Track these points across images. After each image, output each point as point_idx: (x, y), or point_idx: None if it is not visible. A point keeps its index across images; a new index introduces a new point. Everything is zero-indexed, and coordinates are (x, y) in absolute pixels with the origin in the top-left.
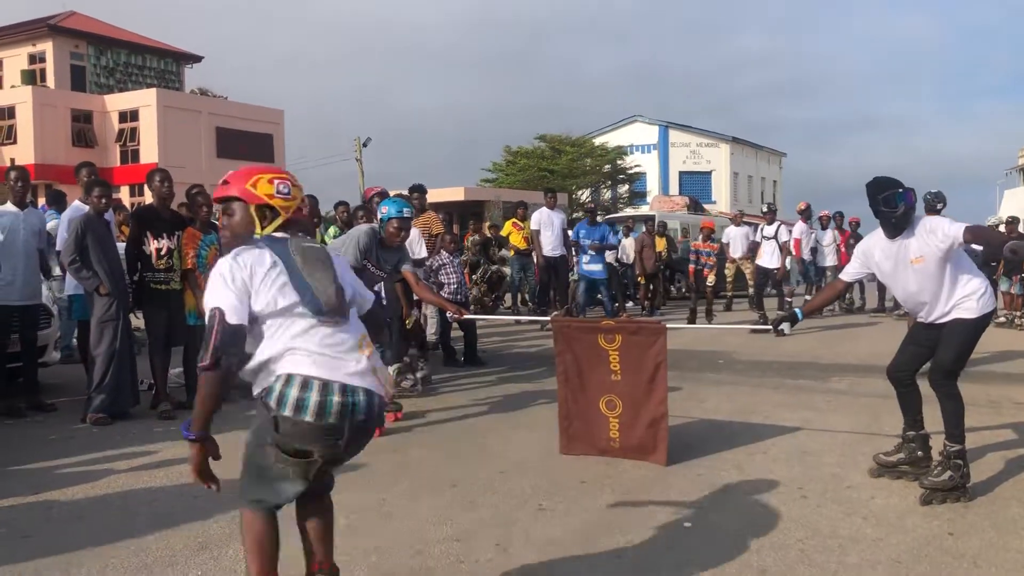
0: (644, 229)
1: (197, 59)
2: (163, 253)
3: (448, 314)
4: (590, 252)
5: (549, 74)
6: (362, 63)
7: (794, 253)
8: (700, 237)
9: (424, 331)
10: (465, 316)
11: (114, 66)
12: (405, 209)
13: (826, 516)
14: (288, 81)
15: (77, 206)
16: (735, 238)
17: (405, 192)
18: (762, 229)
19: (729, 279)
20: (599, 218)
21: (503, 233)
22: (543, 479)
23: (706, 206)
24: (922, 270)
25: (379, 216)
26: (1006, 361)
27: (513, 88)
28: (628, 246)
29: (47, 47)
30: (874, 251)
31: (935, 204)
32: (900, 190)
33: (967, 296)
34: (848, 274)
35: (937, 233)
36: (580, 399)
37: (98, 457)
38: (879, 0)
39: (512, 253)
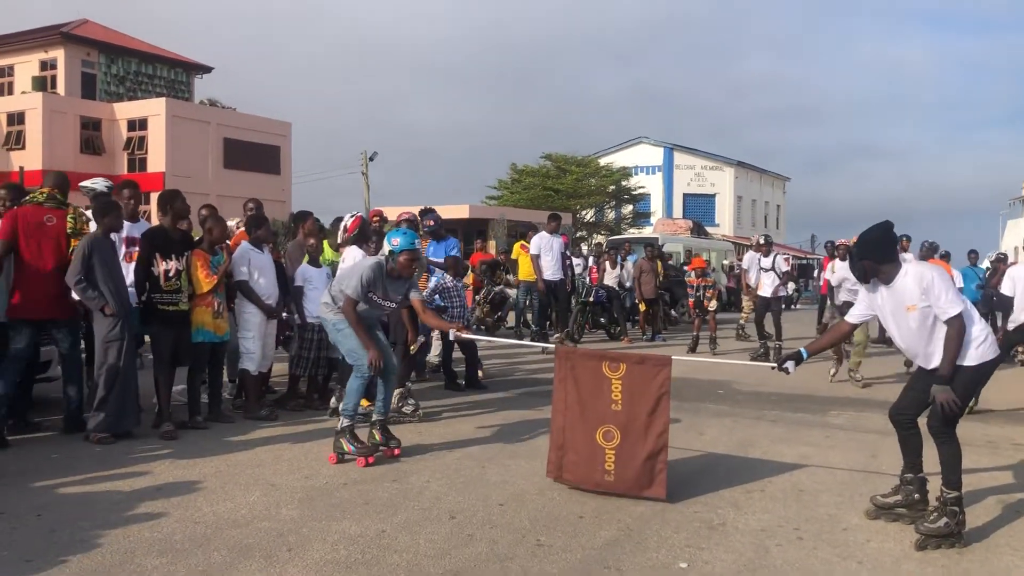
0: (644, 254)
1: (207, 70)
2: (171, 275)
3: (451, 333)
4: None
5: (556, 93)
6: (371, 78)
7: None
8: (693, 274)
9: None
10: (466, 335)
11: (124, 74)
12: (416, 241)
13: (821, 559)
14: (297, 94)
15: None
16: (756, 266)
17: (416, 210)
18: (759, 260)
19: (747, 310)
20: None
21: (513, 256)
22: (542, 512)
23: (709, 229)
24: (917, 318)
25: (388, 247)
26: (1006, 399)
27: (520, 106)
28: (628, 269)
29: (59, 54)
30: (877, 293)
31: (932, 253)
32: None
33: (966, 344)
34: (854, 316)
35: (929, 295)
36: (577, 428)
37: (100, 477)
38: (879, 31)
39: (518, 279)
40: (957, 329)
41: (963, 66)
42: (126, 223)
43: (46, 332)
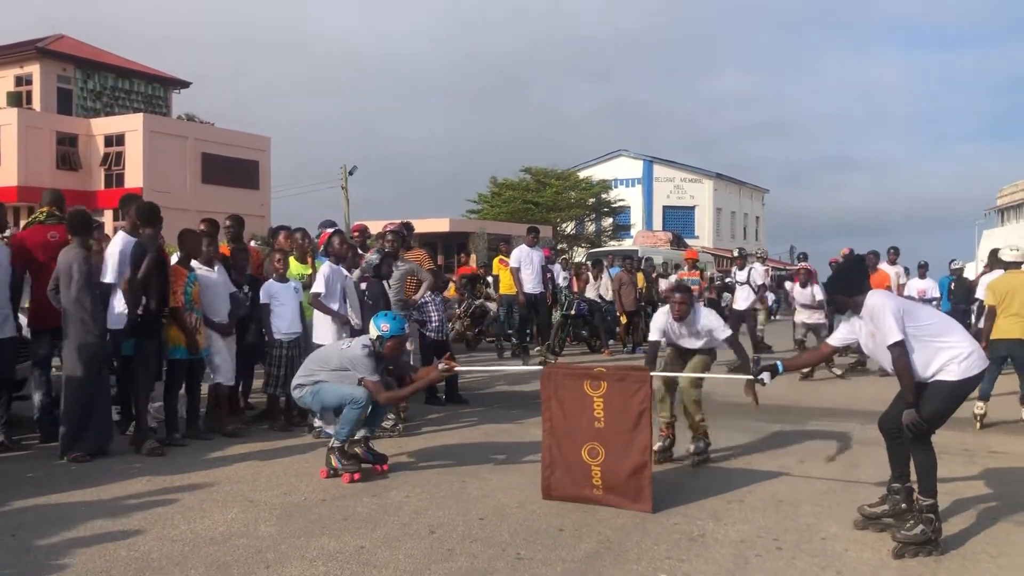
0: (622, 267)
1: (185, 84)
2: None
3: (440, 366)
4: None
5: (536, 108)
6: (350, 92)
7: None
8: (685, 266)
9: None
10: (455, 368)
11: (101, 90)
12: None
13: (800, 569)
14: (276, 109)
15: (126, 237)
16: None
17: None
18: (734, 274)
19: (761, 321)
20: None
21: (494, 272)
22: (522, 526)
23: (689, 241)
24: (881, 343)
25: (376, 331)
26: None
27: (500, 121)
28: (606, 283)
29: (34, 69)
30: (854, 319)
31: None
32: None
33: (951, 360)
34: (836, 339)
35: (879, 328)
36: (564, 446)
37: (76, 496)
38: (853, 45)
39: (501, 290)
40: (896, 356)
41: (935, 80)
42: (131, 239)
43: (56, 339)
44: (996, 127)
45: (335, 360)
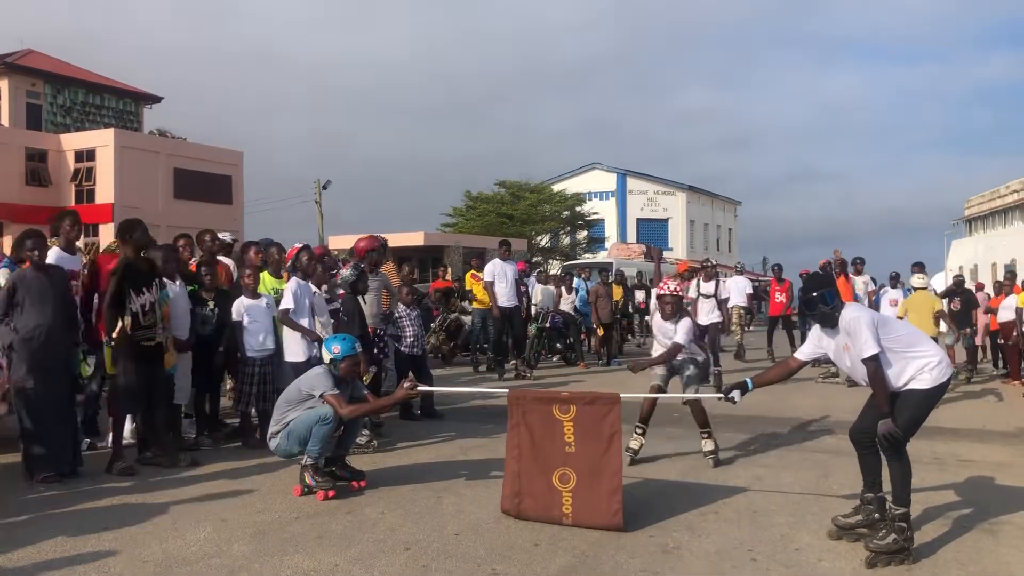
0: (599, 279)
1: (157, 100)
2: (147, 309)
3: (405, 384)
4: None
5: (509, 122)
6: (324, 108)
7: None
8: (678, 279)
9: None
10: (420, 388)
11: (71, 105)
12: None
13: None
14: (249, 124)
15: (59, 253)
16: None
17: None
18: (699, 286)
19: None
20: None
21: (467, 286)
22: (497, 541)
23: (663, 253)
24: (854, 354)
25: (329, 355)
26: (953, 416)
27: (474, 135)
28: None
29: (3, 85)
30: (823, 333)
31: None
32: (833, 290)
33: (922, 369)
34: (803, 353)
35: (855, 341)
36: (532, 473)
37: (46, 517)
38: (812, 61)
39: (474, 304)
40: (873, 369)
41: (894, 93)
42: (64, 255)
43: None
44: (960, 139)
45: (296, 393)
